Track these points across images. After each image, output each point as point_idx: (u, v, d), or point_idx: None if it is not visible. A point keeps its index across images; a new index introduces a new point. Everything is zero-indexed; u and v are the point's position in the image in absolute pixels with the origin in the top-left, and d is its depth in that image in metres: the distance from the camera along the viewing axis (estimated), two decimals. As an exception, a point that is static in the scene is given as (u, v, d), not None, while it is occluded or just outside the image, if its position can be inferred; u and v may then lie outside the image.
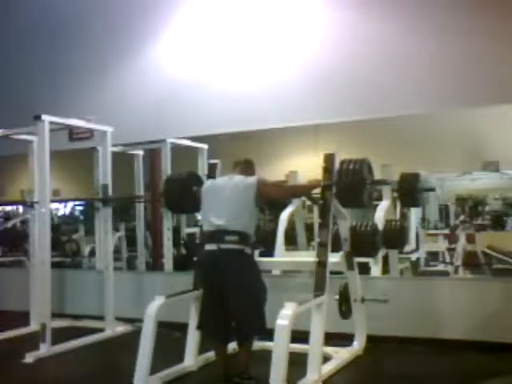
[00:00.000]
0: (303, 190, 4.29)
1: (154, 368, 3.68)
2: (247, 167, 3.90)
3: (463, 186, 6.53)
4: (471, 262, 6.13)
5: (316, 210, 5.61)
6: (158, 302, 3.77)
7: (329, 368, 3.88)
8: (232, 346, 3.88)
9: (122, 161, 6.05)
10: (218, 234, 3.63)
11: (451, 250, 6.44)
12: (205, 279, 3.81)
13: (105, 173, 5.37)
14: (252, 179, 3.73)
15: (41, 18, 6.78)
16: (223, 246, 3.60)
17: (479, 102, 4.78)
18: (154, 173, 6.28)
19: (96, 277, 5.79)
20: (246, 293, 3.62)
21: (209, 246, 3.67)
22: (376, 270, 4.99)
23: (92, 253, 6.87)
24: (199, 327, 3.88)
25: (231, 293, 3.61)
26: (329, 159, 3.94)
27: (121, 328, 5.35)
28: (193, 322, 4.07)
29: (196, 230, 5.85)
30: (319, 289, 3.66)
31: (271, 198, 4.05)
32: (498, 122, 5.28)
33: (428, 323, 4.61)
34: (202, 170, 5.77)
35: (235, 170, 3.89)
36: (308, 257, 4.26)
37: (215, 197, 3.74)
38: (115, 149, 5.65)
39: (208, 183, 3.97)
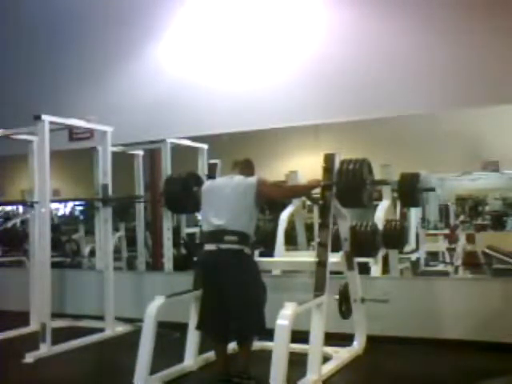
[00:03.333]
0: (303, 190, 4.29)
1: (154, 368, 3.68)
2: (247, 167, 3.90)
3: (463, 186, 6.52)
4: (471, 262, 6.13)
5: (316, 209, 5.61)
6: (158, 302, 3.77)
7: (329, 368, 3.88)
8: (232, 346, 3.88)
9: (122, 161, 6.05)
10: (217, 234, 3.62)
11: (451, 250, 6.44)
12: (204, 279, 3.81)
13: (105, 173, 5.37)
14: (252, 179, 3.73)
15: (41, 17, 6.77)
16: (223, 245, 3.59)
17: (479, 101, 4.78)
18: (153, 173, 6.28)
19: (96, 277, 5.79)
20: (245, 293, 3.62)
21: (208, 246, 3.66)
22: (376, 269, 4.99)
23: (92, 253, 6.86)
24: (198, 327, 3.88)
25: (231, 293, 3.61)
26: (329, 159, 3.95)
27: (121, 328, 5.34)
28: (193, 322, 4.06)
29: (196, 230, 5.85)
30: (319, 289, 3.66)
31: (271, 198, 4.04)
32: (498, 122, 5.28)
33: (428, 323, 4.61)
34: (202, 169, 5.78)
35: (235, 170, 3.88)
36: (308, 257, 4.26)
37: (215, 197, 3.73)
38: (115, 149, 5.65)
39: (208, 183, 3.96)
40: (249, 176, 3.80)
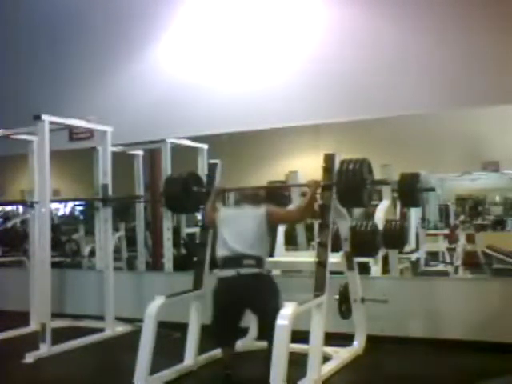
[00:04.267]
0: (310, 204, 4.01)
1: (154, 368, 3.68)
2: (256, 200, 3.97)
3: (463, 186, 6.53)
4: (471, 262, 6.13)
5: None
6: (158, 302, 3.77)
7: (329, 368, 3.88)
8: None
9: (122, 161, 6.05)
10: (236, 259, 3.68)
11: (451, 250, 6.44)
12: (220, 303, 3.75)
13: (105, 173, 5.37)
14: (262, 209, 3.82)
15: (41, 18, 6.77)
16: (242, 270, 3.65)
17: (479, 102, 4.78)
18: (154, 173, 6.28)
19: (96, 277, 5.79)
20: (266, 304, 3.61)
21: (227, 272, 3.70)
22: (376, 270, 4.99)
23: (92, 253, 6.87)
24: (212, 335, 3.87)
25: (252, 307, 3.71)
26: (329, 159, 3.95)
27: (121, 328, 5.34)
28: (193, 322, 4.08)
29: (196, 230, 5.85)
30: (319, 289, 3.66)
31: (285, 223, 4.04)
32: (498, 122, 5.28)
33: (428, 323, 4.61)
34: (202, 170, 5.78)
35: (245, 201, 3.97)
36: (308, 257, 4.26)
37: (230, 226, 3.81)
38: (115, 149, 5.65)
39: (222, 212, 3.99)
40: (258, 205, 3.91)
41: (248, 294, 3.66)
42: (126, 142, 6.05)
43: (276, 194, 5.21)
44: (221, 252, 3.78)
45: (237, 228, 3.77)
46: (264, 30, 5.61)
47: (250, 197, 4.00)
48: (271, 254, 4.92)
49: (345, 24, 5.22)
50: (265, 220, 3.79)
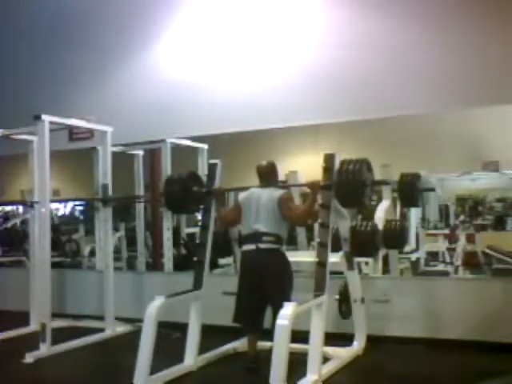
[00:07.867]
0: (313, 206, 4.07)
1: (154, 368, 3.68)
2: (272, 174, 4.17)
3: (463, 186, 6.52)
4: (471, 262, 6.12)
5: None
6: (158, 302, 3.77)
7: (329, 368, 3.88)
8: (232, 346, 3.89)
9: (122, 161, 6.05)
10: (256, 236, 3.97)
11: (451, 250, 6.43)
12: (243, 273, 4.06)
13: (105, 173, 5.37)
14: (277, 195, 4.01)
15: (41, 17, 6.78)
16: (261, 245, 3.95)
17: (479, 101, 4.78)
18: (154, 173, 6.28)
19: (96, 277, 5.79)
20: (280, 286, 3.89)
21: (248, 246, 4.02)
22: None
23: (92, 253, 6.87)
24: (236, 320, 4.01)
25: (269, 286, 3.90)
26: (329, 159, 3.95)
27: (121, 328, 5.34)
28: (193, 322, 4.08)
29: (196, 230, 5.84)
30: (319, 289, 3.67)
31: (288, 218, 4.08)
32: (498, 122, 5.27)
33: (428, 323, 4.61)
34: (202, 169, 5.78)
35: (263, 180, 4.14)
36: (308, 257, 4.26)
37: (252, 206, 4.05)
38: (115, 149, 5.65)
39: (244, 194, 4.19)
40: (274, 181, 4.16)
41: (265, 266, 3.92)
42: (125, 142, 6.05)
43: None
44: (245, 231, 4.12)
45: (257, 208, 4.03)
46: (264, 30, 5.62)
47: (265, 177, 4.16)
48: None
49: (345, 25, 5.22)
50: (277, 206, 4.00)
